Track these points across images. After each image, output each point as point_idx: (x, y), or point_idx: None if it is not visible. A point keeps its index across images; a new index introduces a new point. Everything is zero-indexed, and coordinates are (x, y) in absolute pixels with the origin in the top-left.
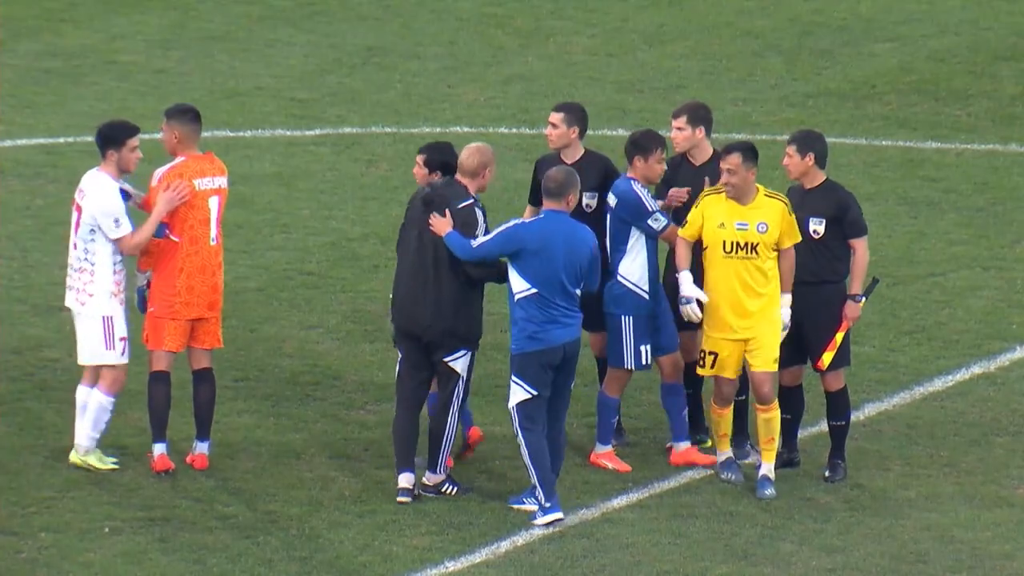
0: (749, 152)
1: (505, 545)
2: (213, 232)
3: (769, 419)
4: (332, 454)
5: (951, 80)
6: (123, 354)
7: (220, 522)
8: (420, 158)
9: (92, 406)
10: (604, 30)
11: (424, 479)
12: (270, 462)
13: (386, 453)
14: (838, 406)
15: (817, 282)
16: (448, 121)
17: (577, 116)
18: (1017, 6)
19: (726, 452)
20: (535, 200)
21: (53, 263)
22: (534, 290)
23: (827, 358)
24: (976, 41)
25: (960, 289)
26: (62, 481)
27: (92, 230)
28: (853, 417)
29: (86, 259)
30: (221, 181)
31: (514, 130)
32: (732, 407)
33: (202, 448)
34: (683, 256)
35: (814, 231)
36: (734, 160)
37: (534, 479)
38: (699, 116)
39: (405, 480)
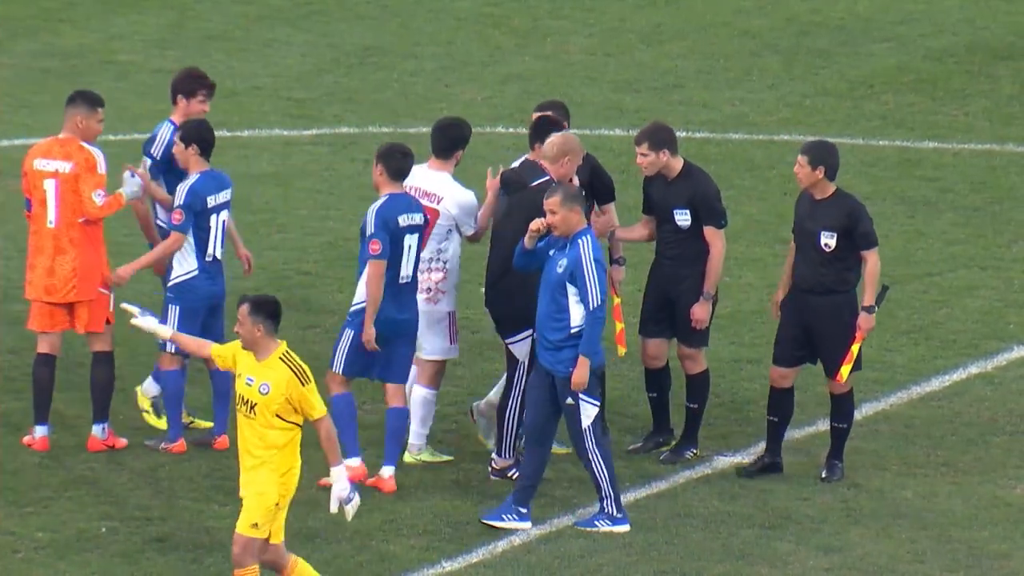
0: (257, 306)
1: (502, 545)
2: (51, 215)
3: None
4: None
5: (948, 80)
6: (457, 347)
7: (217, 522)
8: (178, 135)
9: (418, 402)
10: (601, 30)
11: (492, 463)
12: None
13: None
14: (842, 409)
15: (826, 292)
16: None
17: (563, 113)
18: (1014, 6)
19: None
20: None
21: None
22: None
23: (845, 371)
24: (973, 41)
25: (957, 289)
26: (59, 481)
27: (449, 230)
28: None
29: (439, 258)
30: (59, 165)
31: (511, 130)
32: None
33: (96, 431)
34: None
35: (825, 244)
36: (242, 311)
37: (608, 490)
38: (661, 139)
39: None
